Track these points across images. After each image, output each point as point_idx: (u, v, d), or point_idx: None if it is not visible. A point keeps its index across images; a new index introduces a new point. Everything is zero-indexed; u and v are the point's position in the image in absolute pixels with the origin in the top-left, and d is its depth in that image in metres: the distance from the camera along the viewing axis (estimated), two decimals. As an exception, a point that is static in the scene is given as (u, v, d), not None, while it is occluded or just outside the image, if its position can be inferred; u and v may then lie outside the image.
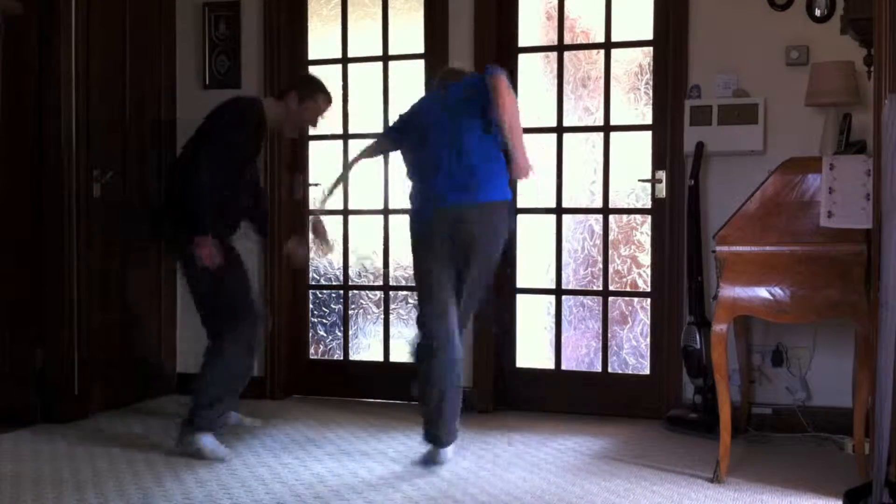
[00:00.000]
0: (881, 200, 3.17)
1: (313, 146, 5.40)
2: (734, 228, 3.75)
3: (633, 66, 4.89)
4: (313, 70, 5.36)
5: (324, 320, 5.44)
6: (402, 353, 5.25)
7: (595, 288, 4.94)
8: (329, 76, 5.37)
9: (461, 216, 3.91)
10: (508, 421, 4.68)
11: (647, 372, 4.86)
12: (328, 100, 4.49)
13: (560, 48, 4.95)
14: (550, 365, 5.02)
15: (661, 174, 4.75)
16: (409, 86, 5.15)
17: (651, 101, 4.82)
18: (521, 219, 5.01)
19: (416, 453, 4.11)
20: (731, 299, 3.71)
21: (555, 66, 4.96)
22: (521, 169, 3.85)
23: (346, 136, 5.34)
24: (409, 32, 5.17)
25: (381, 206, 5.26)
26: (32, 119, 4.63)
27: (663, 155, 4.74)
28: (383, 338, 5.27)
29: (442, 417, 3.91)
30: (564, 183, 4.96)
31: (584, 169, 4.94)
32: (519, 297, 5.05)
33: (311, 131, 5.38)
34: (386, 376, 5.20)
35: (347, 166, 4.55)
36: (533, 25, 5.05)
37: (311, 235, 4.52)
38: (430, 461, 3.93)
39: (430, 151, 4.00)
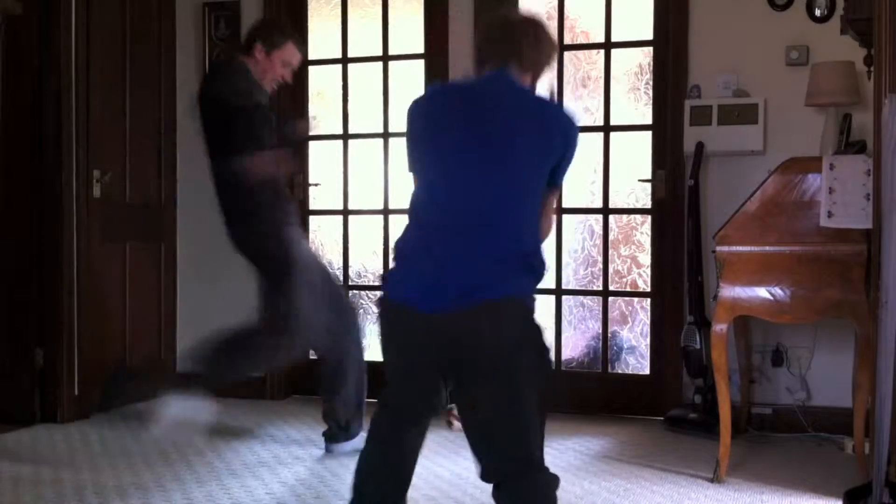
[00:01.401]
0: (881, 200, 3.17)
1: (313, 146, 5.40)
2: (734, 228, 3.75)
3: (633, 66, 4.89)
4: (313, 70, 5.37)
5: (324, 320, 5.43)
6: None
7: (595, 288, 4.94)
8: (329, 76, 5.39)
9: None
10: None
11: (647, 372, 4.87)
12: (298, 45, 4.10)
13: (560, 48, 4.95)
14: (550, 365, 5.01)
15: (661, 174, 4.75)
16: (409, 86, 5.15)
17: (651, 101, 4.82)
18: (521, 219, 5.02)
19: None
20: (731, 299, 3.71)
21: (555, 65, 4.95)
22: None
23: (346, 136, 5.34)
24: (409, 32, 5.17)
25: (381, 207, 5.26)
26: (32, 119, 4.63)
27: (663, 155, 4.74)
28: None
29: None
30: (564, 183, 4.94)
31: (584, 169, 4.94)
32: (519, 297, 5.03)
33: (312, 131, 5.38)
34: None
35: None
36: (533, 25, 5.04)
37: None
38: None
39: None
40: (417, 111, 2.56)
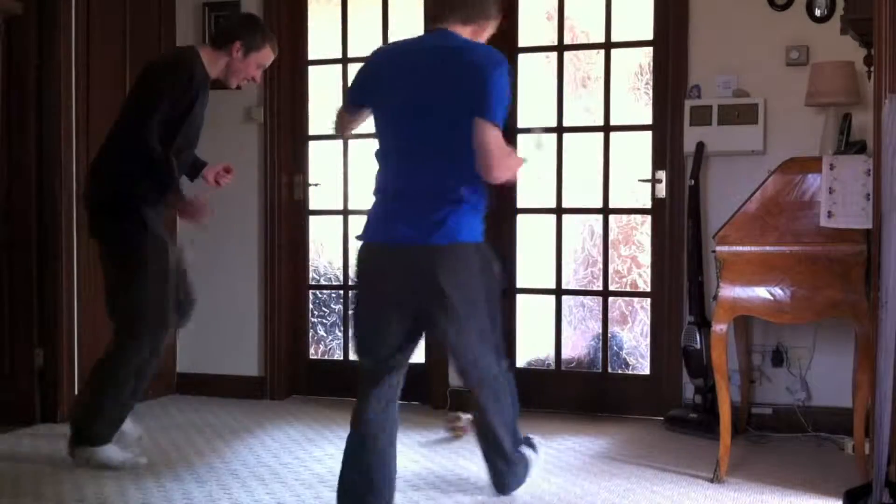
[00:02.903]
0: (881, 200, 3.17)
1: (313, 146, 5.40)
2: (734, 228, 3.75)
3: (633, 66, 4.89)
4: (313, 70, 5.37)
5: (324, 320, 5.44)
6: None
7: (595, 288, 4.94)
8: (329, 76, 5.39)
9: None
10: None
11: (647, 372, 4.87)
12: (275, 49, 4.05)
13: (560, 48, 4.95)
14: (551, 365, 5.02)
15: (661, 174, 4.75)
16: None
17: (651, 101, 4.82)
18: (521, 219, 5.03)
19: (415, 452, 4.11)
20: (731, 299, 3.71)
21: (555, 66, 4.96)
22: None
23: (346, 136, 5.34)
24: (409, 32, 5.13)
25: (381, 206, 5.25)
26: (32, 119, 4.63)
27: (663, 155, 4.74)
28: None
29: None
30: (564, 183, 4.96)
31: (584, 169, 4.94)
32: (519, 297, 5.04)
33: (311, 131, 5.38)
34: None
35: None
36: (533, 25, 5.05)
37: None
38: None
39: None
40: (368, 71, 3.08)
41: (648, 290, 4.85)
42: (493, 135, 2.84)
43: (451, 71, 2.90)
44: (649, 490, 3.59)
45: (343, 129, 3.27)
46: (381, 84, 3.01)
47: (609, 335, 4.92)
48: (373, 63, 3.08)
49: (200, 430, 4.56)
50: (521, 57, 5.02)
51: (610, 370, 4.94)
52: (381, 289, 2.96)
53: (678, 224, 4.65)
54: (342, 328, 5.37)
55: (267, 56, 4.03)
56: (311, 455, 4.11)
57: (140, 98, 3.89)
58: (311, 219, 5.40)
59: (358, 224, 5.26)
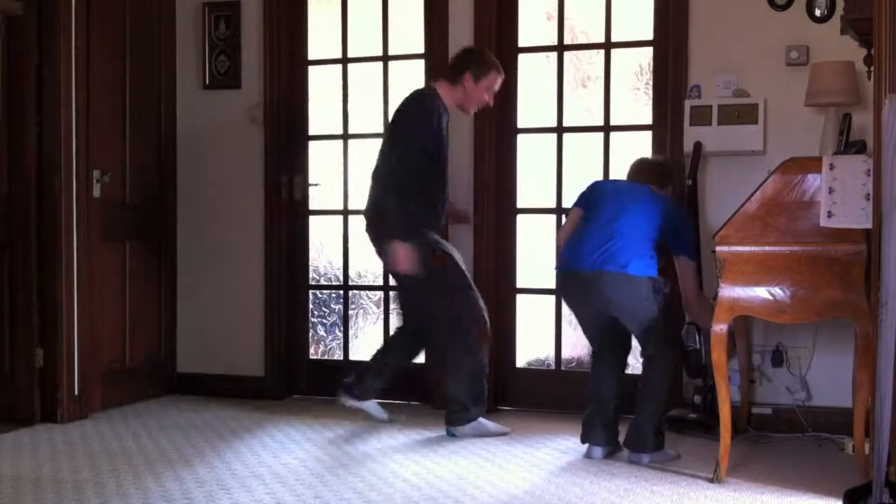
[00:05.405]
0: (881, 200, 3.17)
1: (313, 146, 5.40)
2: (734, 228, 3.75)
3: (633, 66, 4.89)
4: (313, 70, 5.37)
5: (324, 320, 5.44)
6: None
7: (595, 288, 4.93)
8: (329, 76, 5.39)
9: None
10: (509, 420, 4.68)
11: (647, 372, 4.86)
12: (500, 72, 4.48)
13: (560, 48, 4.95)
14: (551, 365, 5.02)
15: (661, 174, 4.75)
16: (410, 86, 5.14)
17: (651, 101, 4.82)
18: (521, 219, 5.03)
19: (414, 452, 4.11)
20: (731, 299, 3.70)
21: (555, 66, 4.96)
22: None
23: (345, 137, 5.34)
24: (409, 32, 5.17)
25: (381, 206, 5.25)
26: (32, 119, 4.63)
27: (663, 155, 4.73)
28: (383, 338, 5.26)
29: None
30: (564, 183, 4.96)
31: (584, 169, 4.94)
32: (519, 296, 5.05)
33: (313, 131, 5.39)
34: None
35: None
36: (533, 25, 5.05)
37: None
38: None
39: None
40: (596, 186, 4.28)
41: (648, 290, 4.84)
42: (691, 273, 4.12)
43: (649, 200, 4.08)
44: (649, 490, 3.59)
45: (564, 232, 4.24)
46: (601, 193, 4.19)
47: (609, 335, 4.92)
48: (597, 184, 4.30)
49: (200, 430, 4.56)
50: (521, 57, 5.02)
51: (610, 370, 4.93)
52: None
53: (678, 224, 4.65)
54: (342, 328, 5.37)
55: (494, 79, 4.45)
56: (311, 455, 4.11)
57: (394, 137, 4.44)
58: (311, 219, 5.40)
59: (358, 224, 5.32)
